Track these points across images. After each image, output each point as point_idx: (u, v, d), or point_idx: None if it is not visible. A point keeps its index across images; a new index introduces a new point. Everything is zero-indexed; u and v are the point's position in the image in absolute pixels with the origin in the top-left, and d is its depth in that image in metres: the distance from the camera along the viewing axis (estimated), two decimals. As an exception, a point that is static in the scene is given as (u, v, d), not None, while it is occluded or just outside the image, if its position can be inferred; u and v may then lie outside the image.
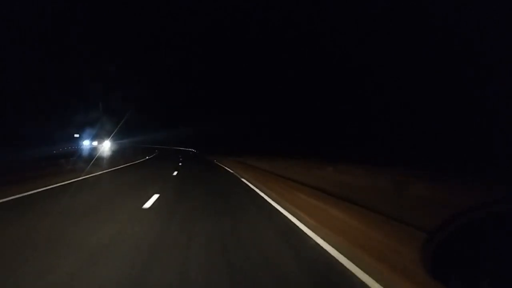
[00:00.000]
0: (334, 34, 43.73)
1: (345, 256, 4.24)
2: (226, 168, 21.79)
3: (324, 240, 4.98)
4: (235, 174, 17.56)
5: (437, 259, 1.37)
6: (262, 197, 9.45)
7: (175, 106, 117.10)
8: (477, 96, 19.34)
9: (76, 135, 45.85)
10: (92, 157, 27.80)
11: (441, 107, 23.41)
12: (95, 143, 43.45)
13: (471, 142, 17.74)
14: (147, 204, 7.64)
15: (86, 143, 43.75)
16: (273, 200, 8.84)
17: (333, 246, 4.65)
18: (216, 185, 12.91)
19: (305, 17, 53.13)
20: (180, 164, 25.68)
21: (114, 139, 44.23)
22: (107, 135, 41.71)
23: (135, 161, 28.54)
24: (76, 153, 31.04)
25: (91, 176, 14.10)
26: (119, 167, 20.78)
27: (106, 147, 40.71)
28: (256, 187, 11.57)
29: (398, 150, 22.87)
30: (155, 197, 8.60)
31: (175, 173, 17.29)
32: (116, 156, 34.35)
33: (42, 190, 9.47)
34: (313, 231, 5.52)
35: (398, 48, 28.82)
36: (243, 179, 14.40)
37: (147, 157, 36.11)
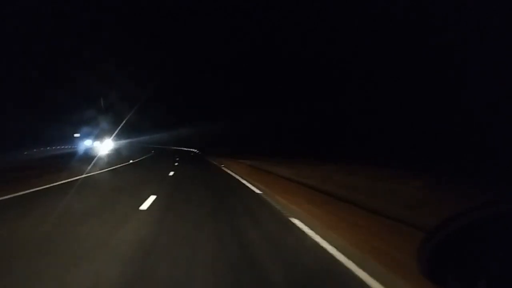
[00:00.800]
0: (335, 34, 43.78)
1: None
2: (245, 183, 12.64)
3: None
4: (268, 198, 9.20)
5: (435, 259, 1.35)
6: None
7: (179, 106, 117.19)
8: (476, 96, 19.36)
9: (76, 135, 45.83)
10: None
11: (441, 107, 23.44)
12: (96, 142, 43.08)
13: (471, 142, 17.75)
14: None
15: (88, 143, 43.41)
16: None
17: None
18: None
19: (304, 17, 53.23)
20: (171, 174, 16.46)
21: (116, 139, 43.98)
22: (108, 134, 41.52)
23: (109, 167, 19.88)
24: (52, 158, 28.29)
25: None
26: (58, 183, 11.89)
27: (106, 147, 40.50)
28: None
29: (398, 150, 22.90)
30: None
31: (149, 200, 8.33)
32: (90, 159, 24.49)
33: None
34: None
35: (398, 48, 28.84)
36: (294, 221, 6.40)
37: (130, 161, 26.97)
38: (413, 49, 26.76)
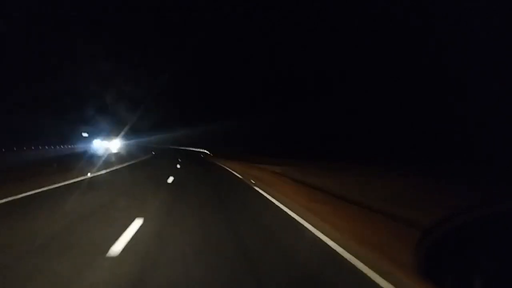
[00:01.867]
0: (335, 34, 43.75)
1: None
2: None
3: None
4: None
5: (432, 258, 1.37)
6: None
7: (180, 106, 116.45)
8: (476, 97, 19.34)
9: (85, 134, 44.69)
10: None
11: (440, 107, 23.42)
12: (105, 143, 41.15)
13: (471, 143, 17.73)
14: None
15: (97, 143, 41.62)
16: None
17: None
18: None
19: (304, 17, 53.15)
20: (149, 210, 6.56)
21: (124, 139, 42.89)
22: (115, 134, 40.54)
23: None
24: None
25: None
26: None
27: (114, 146, 39.53)
28: None
29: (398, 150, 22.87)
30: None
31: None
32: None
33: None
34: None
35: (398, 48, 28.83)
36: None
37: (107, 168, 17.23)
38: (413, 49, 26.75)
